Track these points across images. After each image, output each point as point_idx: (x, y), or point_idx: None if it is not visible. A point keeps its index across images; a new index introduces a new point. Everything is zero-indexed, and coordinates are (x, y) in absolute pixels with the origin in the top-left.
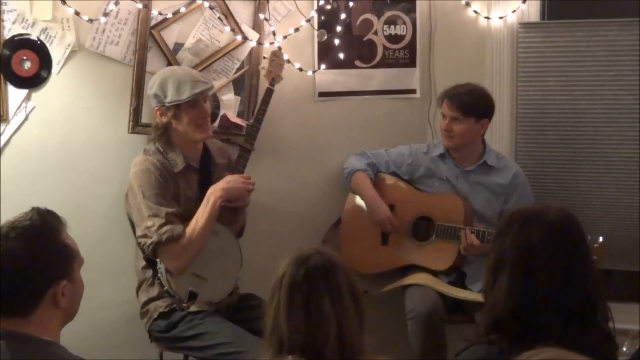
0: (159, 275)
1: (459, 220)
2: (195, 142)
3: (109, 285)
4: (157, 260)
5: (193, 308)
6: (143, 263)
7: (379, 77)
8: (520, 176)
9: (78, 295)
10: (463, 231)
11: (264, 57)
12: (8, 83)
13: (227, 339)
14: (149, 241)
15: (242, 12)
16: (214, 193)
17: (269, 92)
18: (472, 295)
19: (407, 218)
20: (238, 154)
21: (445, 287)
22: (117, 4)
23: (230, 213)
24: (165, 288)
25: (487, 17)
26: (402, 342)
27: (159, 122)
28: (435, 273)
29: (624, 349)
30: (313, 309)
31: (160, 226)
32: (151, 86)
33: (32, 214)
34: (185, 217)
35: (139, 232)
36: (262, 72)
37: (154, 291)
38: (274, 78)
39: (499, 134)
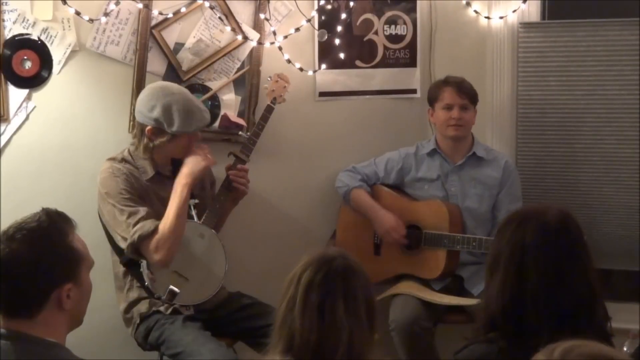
0: (141, 270)
1: (444, 227)
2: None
3: (110, 285)
4: (140, 260)
5: (171, 309)
6: (123, 269)
7: (380, 77)
8: (511, 165)
9: (85, 298)
10: None
11: (269, 78)
12: (9, 83)
13: (182, 348)
14: (126, 243)
15: (243, 12)
16: (179, 182)
17: (269, 109)
18: (455, 300)
19: None
20: (232, 164)
21: (429, 295)
22: (117, 3)
23: (231, 202)
24: (146, 284)
25: (488, 17)
26: (395, 354)
27: (151, 143)
28: (427, 281)
29: (624, 349)
30: (327, 312)
31: (133, 226)
32: (150, 108)
33: (40, 215)
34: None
35: (117, 237)
36: (265, 91)
37: (134, 294)
38: (276, 97)
39: (500, 134)
